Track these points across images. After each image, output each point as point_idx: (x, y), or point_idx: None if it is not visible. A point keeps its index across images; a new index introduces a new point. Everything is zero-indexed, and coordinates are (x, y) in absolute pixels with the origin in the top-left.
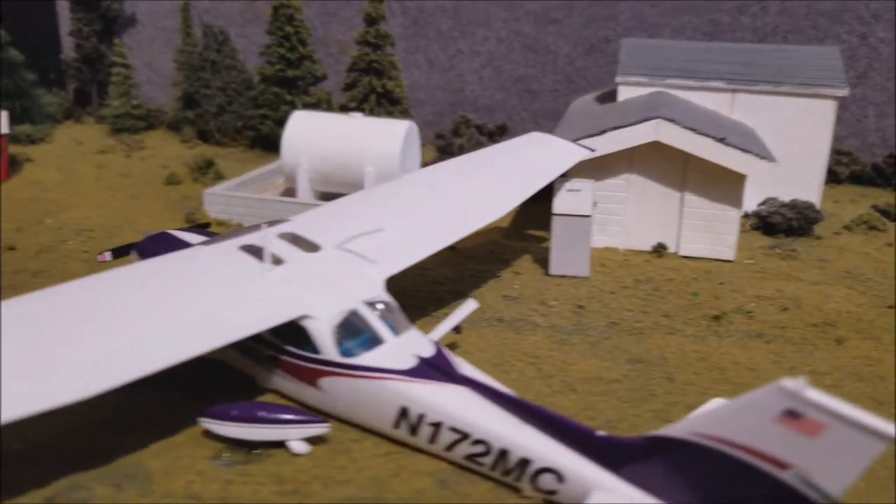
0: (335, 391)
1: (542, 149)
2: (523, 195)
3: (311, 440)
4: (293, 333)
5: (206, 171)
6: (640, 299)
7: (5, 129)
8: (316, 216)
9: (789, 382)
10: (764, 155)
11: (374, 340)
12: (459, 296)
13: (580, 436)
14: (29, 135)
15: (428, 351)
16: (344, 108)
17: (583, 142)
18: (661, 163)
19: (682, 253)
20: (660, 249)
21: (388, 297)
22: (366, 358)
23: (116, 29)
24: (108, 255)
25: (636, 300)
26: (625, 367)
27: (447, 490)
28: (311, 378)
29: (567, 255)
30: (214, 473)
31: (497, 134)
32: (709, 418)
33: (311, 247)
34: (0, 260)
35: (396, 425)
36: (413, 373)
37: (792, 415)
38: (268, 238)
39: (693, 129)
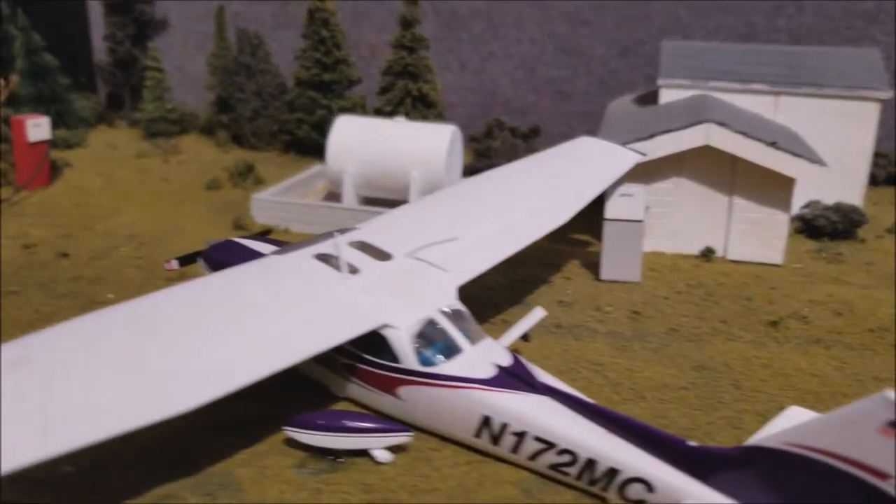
0: (414, 400)
1: (594, 154)
2: (583, 201)
3: (393, 449)
4: (370, 342)
5: (247, 176)
6: (695, 305)
7: (48, 135)
8: (381, 225)
9: (892, 394)
10: (815, 159)
11: (452, 349)
12: (514, 301)
13: (670, 446)
14: (66, 139)
15: (506, 360)
16: (378, 112)
17: (633, 146)
18: (709, 166)
19: (729, 257)
20: (708, 253)
21: (461, 306)
22: (446, 367)
23: (149, 33)
24: (174, 263)
25: (691, 305)
26: (690, 375)
27: (532, 499)
28: (389, 387)
29: (619, 260)
30: (302, 482)
31: (530, 136)
32: (805, 428)
33: (382, 255)
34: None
35: (478, 434)
36: (494, 382)
37: None
38: (340, 247)
39: (744, 134)
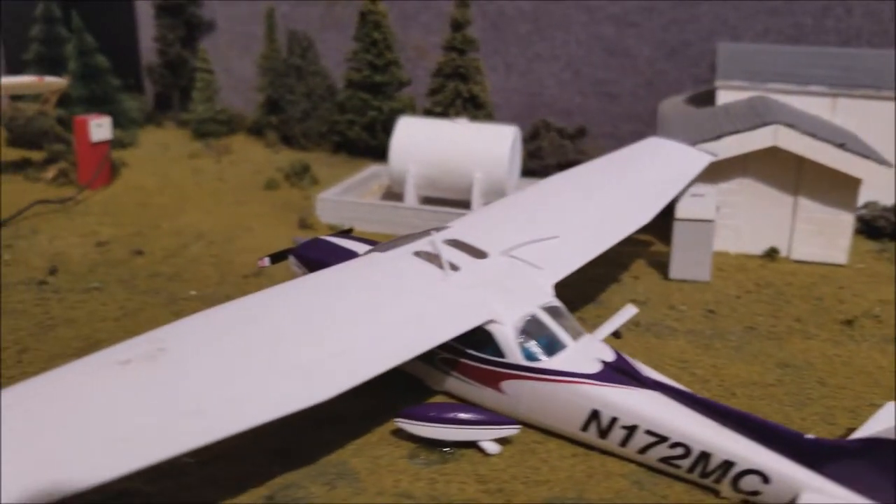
0: (518, 394)
1: (667, 154)
2: (664, 201)
3: (500, 441)
4: (472, 337)
5: (303, 176)
6: (767, 304)
7: (109, 135)
8: (471, 224)
9: None
10: (882, 160)
11: (555, 345)
12: (587, 300)
13: (786, 438)
14: (119, 140)
15: (609, 355)
16: (428, 113)
17: (701, 146)
18: (774, 167)
19: (793, 257)
20: (772, 253)
21: (560, 303)
22: (552, 362)
23: (197, 35)
24: (267, 261)
25: (763, 304)
26: (776, 372)
27: (645, 491)
28: (492, 381)
29: (689, 259)
30: (416, 472)
31: (576, 137)
32: None
33: (478, 253)
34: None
35: (585, 428)
36: (602, 377)
37: None
38: (438, 245)
39: (812, 135)
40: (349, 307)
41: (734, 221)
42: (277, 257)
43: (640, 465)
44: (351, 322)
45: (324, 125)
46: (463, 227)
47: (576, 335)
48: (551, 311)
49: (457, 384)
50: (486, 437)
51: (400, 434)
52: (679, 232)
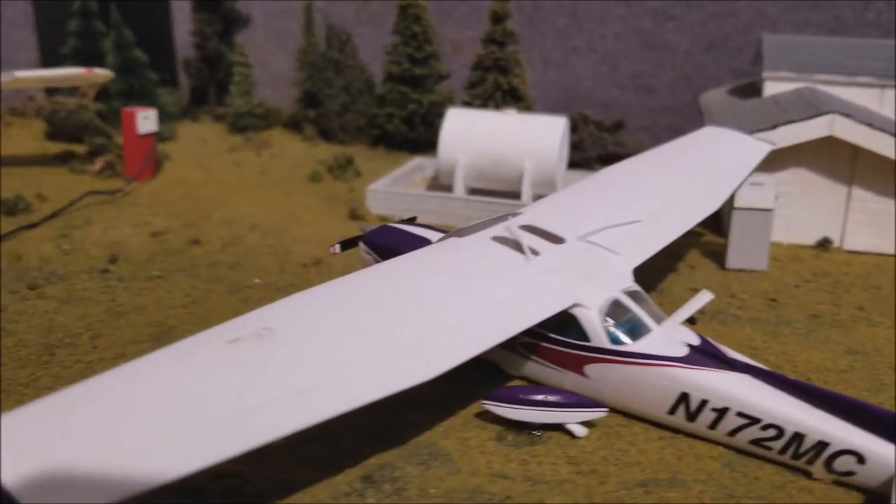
0: (604, 378)
1: (726, 143)
2: (730, 189)
3: (587, 424)
4: (555, 321)
5: (346, 169)
6: (827, 292)
7: (155, 128)
8: (543, 210)
9: None
10: None
11: (640, 329)
12: (647, 289)
13: (880, 418)
14: (159, 133)
15: (694, 339)
16: (467, 106)
17: (758, 136)
18: (828, 157)
19: (846, 247)
20: (825, 243)
21: (640, 288)
22: (638, 345)
23: (233, 29)
24: (337, 248)
25: (822, 293)
26: (846, 358)
27: (737, 473)
28: (575, 365)
29: (746, 248)
30: (507, 453)
31: (614, 130)
32: None
33: (556, 239)
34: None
35: (672, 411)
36: (690, 360)
37: None
38: (515, 230)
39: (869, 125)
40: (441, 290)
41: (787, 211)
42: (347, 244)
43: (728, 447)
44: (445, 304)
45: (362, 119)
46: (535, 213)
47: (658, 319)
48: (633, 295)
49: (537, 368)
50: (574, 420)
51: (485, 416)
52: (737, 221)
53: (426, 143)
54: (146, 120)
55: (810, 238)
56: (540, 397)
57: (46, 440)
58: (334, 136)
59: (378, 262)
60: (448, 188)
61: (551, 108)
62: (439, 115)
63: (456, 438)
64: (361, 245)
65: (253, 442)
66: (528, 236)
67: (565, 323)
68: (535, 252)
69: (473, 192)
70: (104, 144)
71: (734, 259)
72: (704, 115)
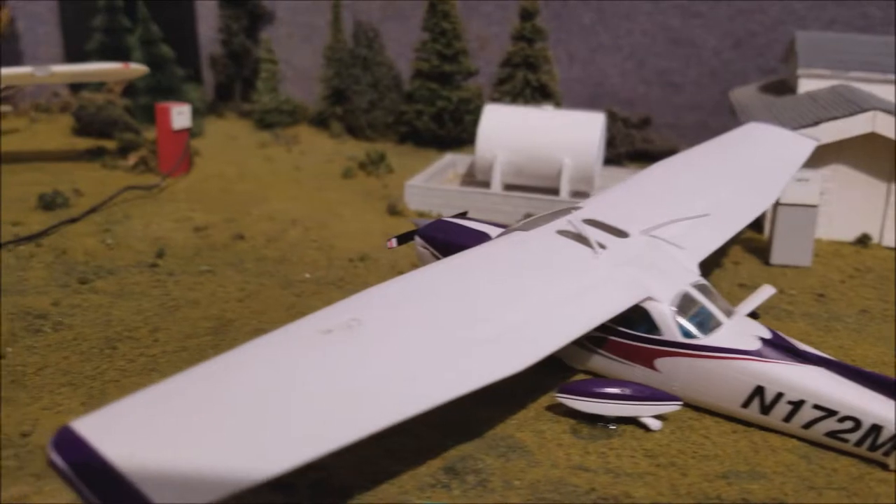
0: (675, 372)
1: (772, 140)
2: (780, 185)
3: (659, 418)
4: (624, 315)
5: (379, 165)
6: (873, 288)
7: (189, 123)
8: (601, 204)
9: None
10: None
11: (711, 322)
12: None
13: None
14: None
15: (765, 332)
16: (495, 103)
17: (802, 132)
18: (869, 153)
19: (885, 243)
20: (864, 240)
21: (707, 282)
22: (711, 339)
23: (259, 26)
24: (394, 242)
25: (869, 289)
26: None
27: (814, 465)
28: (645, 359)
29: (791, 244)
30: (584, 446)
31: (641, 127)
32: None
33: (620, 233)
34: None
35: (746, 404)
36: (763, 353)
37: None
38: (580, 224)
39: None
40: (518, 283)
41: (827, 208)
42: (403, 238)
43: (801, 439)
44: (526, 297)
45: (390, 115)
46: (595, 208)
47: (728, 313)
48: (702, 288)
49: (603, 362)
50: (648, 413)
51: (556, 409)
52: (782, 217)
53: (454, 139)
54: (180, 115)
55: (849, 234)
56: (615, 390)
57: (159, 431)
58: (361, 133)
59: (435, 255)
60: (481, 184)
61: (577, 105)
62: (468, 112)
63: (531, 431)
64: (417, 239)
65: (358, 433)
66: (593, 230)
67: (635, 316)
68: (602, 246)
69: (508, 187)
70: (135, 140)
71: (778, 255)
72: (737, 111)
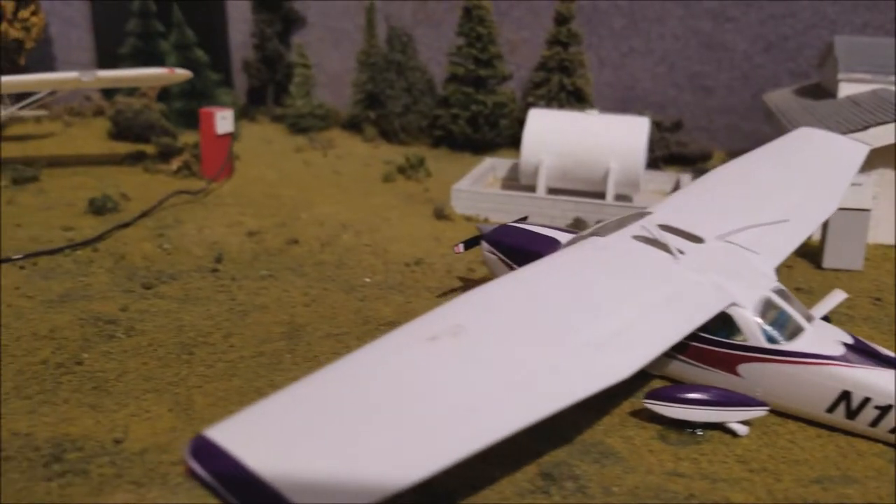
0: (759, 377)
1: (824, 145)
2: (841, 190)
3: (744, 423)
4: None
5: (418, 169)
6: None
7: (232, 128)
8: (672, 209)
9: None
10: None
11: (794, 327)
12: None
13: None
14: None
15: (847, 337)
16: (530, 106)
17: (853, 136)
18: None
19: None
20: None
21: (784, 288)
22: (795, 344)
23: (292, 30)
24: (461, 247)
25: None
26: None
27: None
28: (728, 364)
29: (843, 248)
30: (674, 452)
31: (673, 130)
32: None
33: (695, 238)
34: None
35: (831, 409)
36: (848, 358)
37: None
38: (655, 229)
39: None
40: (611, 289)
41: (873, 212)
42: (470, 243)
43: (887, 444)
44: (621, 304)
45: (424, 119)
46: (665, 213)
47: (808, 318)
48: (782, 294)
49: (682, 367)
50: (735, 419)
51: (640, 415)
52: (835, 221)
53: (487, 143)
54: (224, 120)
55: (892, 238)
56: (703, 396)
57: (293, 437)
58: (395, 137)
59: (503, 260)
60: (524, 188)
61: (608, 109)
62: (503, 116)
63: (619, 437)
64: (484, 244)
65: (486, 440)
66: (669, 236)
67: (717, 322)
68: (680, 252)
69: (551, 191)
70: (172, 144)
71: (830, 259)
72: (775, 115)
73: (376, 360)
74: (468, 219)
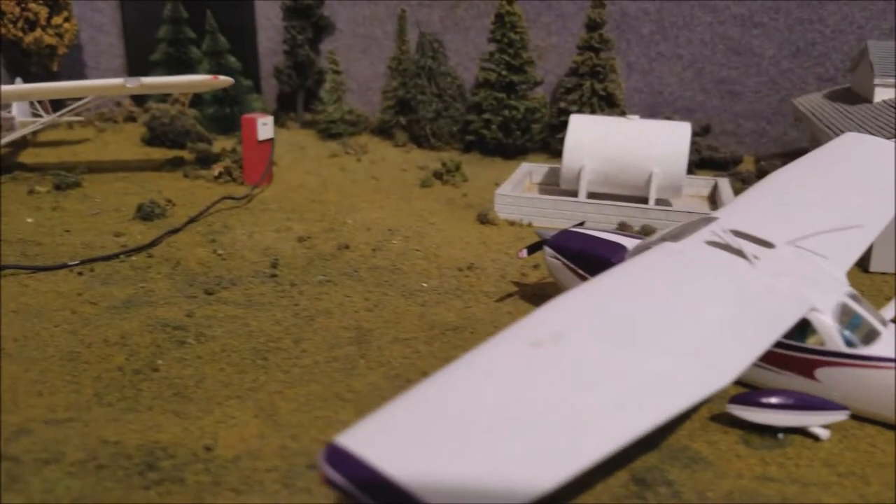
0: (837, 381)
1: (874, 151)
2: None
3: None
4: None
5: (454, 174)
6: None
7: (272, 134)
8: (736, 215)
9: None
10: None
11: (870, 331)
12: None
13: None
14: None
15: None
16: (563, 112)
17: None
18: None
19: None
20: None
21: (856, 292)
22: (874, 348)
23: (323, 36)
24: (525, 253)
25: None
26: None
27: None
28: (805, 369)
29: (890, 252)
30: (761, 456)
31: (701, 134)
32: None
33: (766, 244)
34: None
35: None
36: None
37: None
38: (728, 235)
39: None
40: (699, 296)
41: None
42: (533, 248)
43: None
44: (710, 310)
45: (455, 125)
46: (732, 218)
47: (883, 322)
48: (855, 298)
49: (759, 372)
50: (817, 423)
51: (720, 420)
52: None
53: (518, 148)
54: (265, 126)
55: None
56: (785, 400)
57: (423, 442)
58: (426, 142)
59: (568, 265)
60: (559, 192)
61: (635, 114)
62: (535, 121)
63: (704, 442)
64: (547, 249)
65: (614, 445)
66: (743, 242)
67: (793, 326)
68: (756, 257)
69: (591, 196)
70: (208, 149)
71: (878, 262)
72: (810, 119)
73: (488, 365)
74: (511, 223)
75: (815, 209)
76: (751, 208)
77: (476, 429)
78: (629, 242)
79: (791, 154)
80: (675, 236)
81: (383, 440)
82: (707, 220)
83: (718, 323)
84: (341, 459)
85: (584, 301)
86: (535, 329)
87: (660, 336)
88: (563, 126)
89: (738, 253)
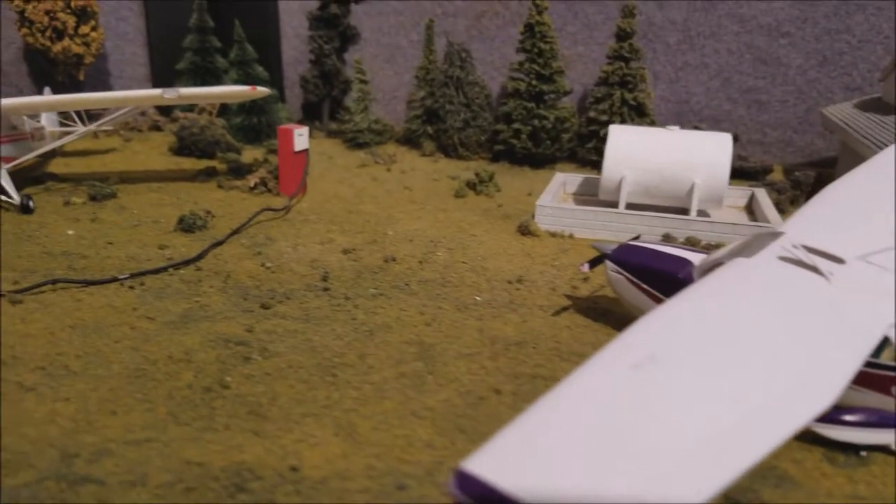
0: None
1: None
2: None
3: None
4: None
5: (488, 184)
6: None
7: (307, 144)
8: (801, 229)
9: None
10: None
11: None
12: None
13: None
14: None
15: None
16: (592, 122)
17: None
18: None
19: None
20: None
21: None
22: None
23: (349, 46)
24: (586, 267)
25: None
26: None
27: None
28: (882, 385)
29: None
30: (848, 475)
31: None
32: None
33: (836, 259)
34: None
35: None
36: None
37: None
38: (801, 251)
39: None
40: (787, 314)
41: None
42: (594, 263)
43: None
44: (802, 329)
45: (482, 134)
46: (798, 232)
47: None
48: None
49: None
50: None
51: (801, 437)
52: None
53: (547, 158)
54: (300, 137)
55: None
56: (866, 418)
57: (548, 466)
58: (454, 152)
59: (631, 280)
60: (596, 203)
61: (662, 123)
62: (565, 131)
63: (789, 461)
64: (608, 264)
65: (737, 469)
66: (816, 257)
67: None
68: (830, 274)
69: (629, 206)
70: (238, 160)
71: None
72: (844, 130)
73: (595, 387)
74: (553, 234)
75: (878, 223)
76: (814, 222)
77: (599, 452)
78: (693, 257)
79: (818, 163)
80: (746, 252)
81: (511, 465)
82: (774, 235)
83: (815, 342)
84: (472, 486)
85: (672, 322)
86: (630, 351)
87: (760, 359)
88: (592, 136)
89: (813, 269)
